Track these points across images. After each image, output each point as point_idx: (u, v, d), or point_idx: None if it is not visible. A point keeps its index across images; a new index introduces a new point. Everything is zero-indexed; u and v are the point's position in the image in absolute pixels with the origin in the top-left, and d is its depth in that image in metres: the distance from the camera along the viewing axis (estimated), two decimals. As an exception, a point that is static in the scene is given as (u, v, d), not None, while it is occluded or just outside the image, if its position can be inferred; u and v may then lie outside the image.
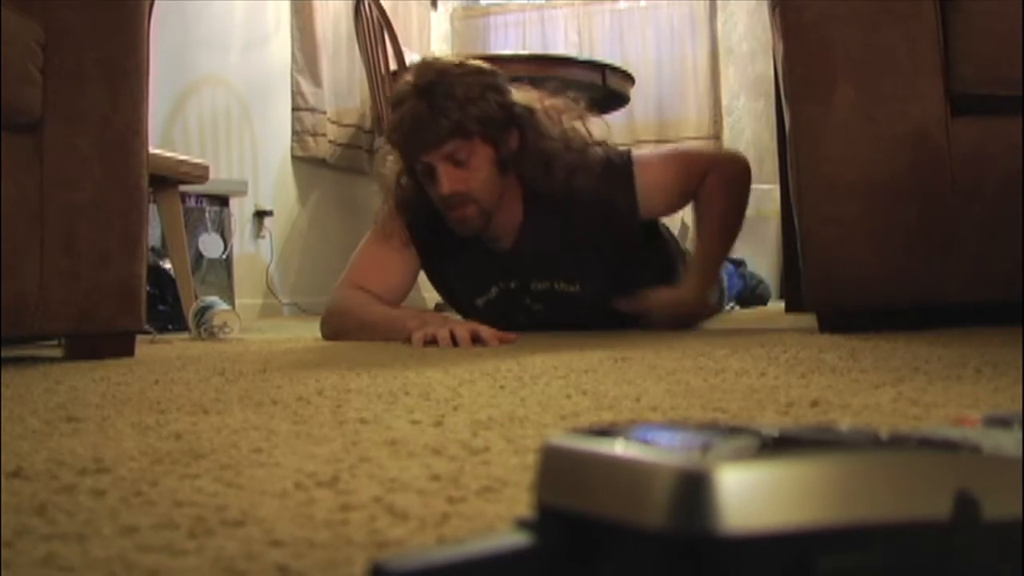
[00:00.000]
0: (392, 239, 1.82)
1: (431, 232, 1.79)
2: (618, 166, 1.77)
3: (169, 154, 2.39)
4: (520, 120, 1.71)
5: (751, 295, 3.08)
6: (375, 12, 3.23)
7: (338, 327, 1.77)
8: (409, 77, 1.69)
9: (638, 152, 1.85)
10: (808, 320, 1.76)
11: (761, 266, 3.91)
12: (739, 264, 3.09)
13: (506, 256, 1.78)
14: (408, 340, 1.53)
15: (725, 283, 2.78)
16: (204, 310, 2.14)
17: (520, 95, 1.74)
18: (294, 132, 3.97)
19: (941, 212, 1.47)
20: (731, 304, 2.99)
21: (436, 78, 1.64)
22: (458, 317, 1.79)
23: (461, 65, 1.69)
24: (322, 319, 1.83)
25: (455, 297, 1.92)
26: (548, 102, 1.78)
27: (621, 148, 1.85)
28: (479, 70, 1.69)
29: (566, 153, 1.72)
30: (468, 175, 1.67)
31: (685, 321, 1.76)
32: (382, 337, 1.63)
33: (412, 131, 1.64)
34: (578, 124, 1.78)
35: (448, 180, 1.66)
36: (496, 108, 1.67)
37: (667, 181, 1.78)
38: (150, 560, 0.34)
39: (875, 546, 0.22)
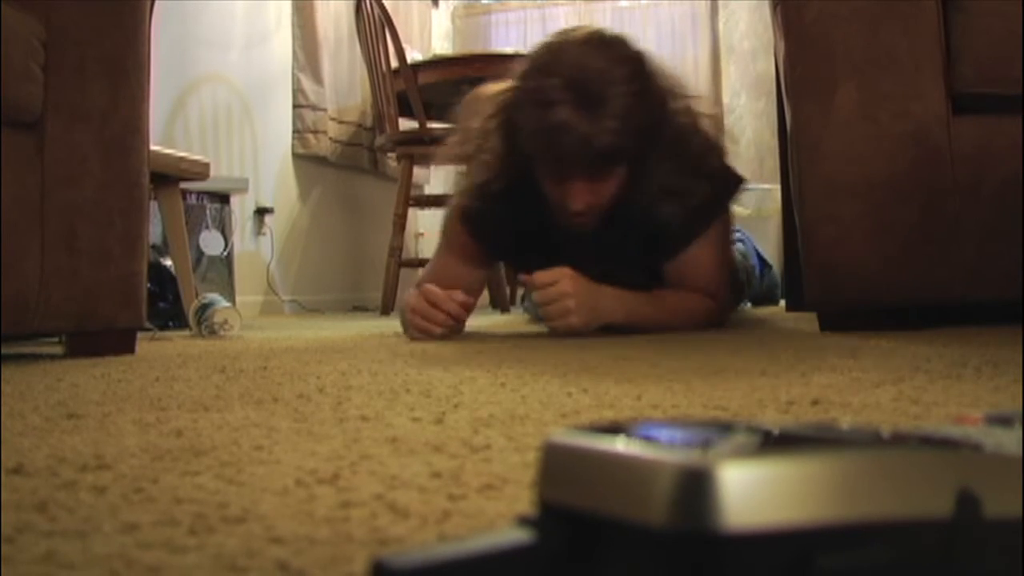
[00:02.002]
0: (461, 250, 1.75)
1: (501, 229, 1.69)
2: (711, 209, 1.63)
3: (170, 151, 2.39)
4: (662, 127, 1.54)
5: (768, 295, 3.06)
6: (376, 9, 3.23)
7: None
8: (556, 68, 1.47)
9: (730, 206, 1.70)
10: (809, 319, 1.76)
11: (762, 265, 3.91)
12: (768, 267, 3.05)
13: (572, 244, 1.64)
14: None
15: (755, 278, 2.76)
16: (205, 307, 2.14)
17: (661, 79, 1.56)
18: (295, 130, 3.97)
19: (942, 211, 1.47)
20: (746, 303, 2.97)
21: (597, 84, 1.44)
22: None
23: (617, 60, 1.48)
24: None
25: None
26: (690, 92, 1.62)
27: (734, 174, 1.69)
28: (636, 70, 1.49)
29: (678, 172, 1.56)
30: (603, 189, 1.53)
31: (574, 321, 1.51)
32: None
33: (567, 147, 1.45)
34: (706, 122, 1.63)
35: (582, 197, 1.52)
36: (650, 121, 1.50)
37: (705, 265, 1.65)
38: (151, 557, 0.34)
39: (876, 544, 0.22)
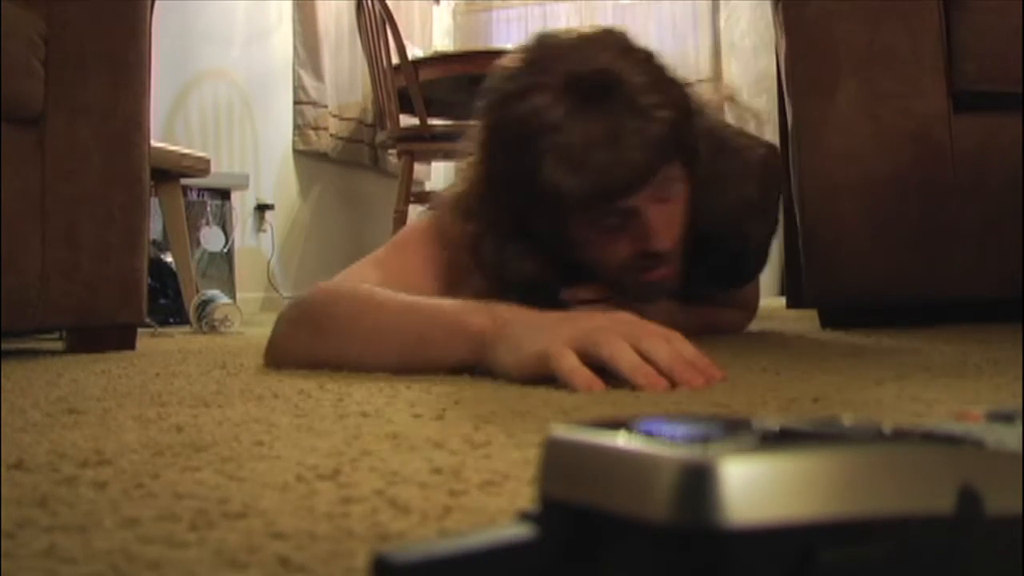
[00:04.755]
0: (437, 268, 1.18)
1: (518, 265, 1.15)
2: (775, 211, 1.32)
3: (171, 147, 2.39)
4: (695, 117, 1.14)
5: None
6: (377, 6, 3.22)
7: (311, 332, 1.02)
8: (549, 79, 1.06)
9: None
10: (809, 316, 1.76)
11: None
12: None
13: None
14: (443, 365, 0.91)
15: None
16: (205, 304, 2.14)
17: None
18: (295, 126, 3.97)
19: (943, 209, 1.47)
20: None
21: (604, 79, 1.05)
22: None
23: (623, 52, 1.10)
24: (285, 326, 1.07)
25: None
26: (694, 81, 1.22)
27: (772, 153, 1.35)
28: (644, 56, 1.12)
29: (731, 169, 1.21)
30: (675, 213, 1.12)
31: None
32: (397, 350, 0.94)
33: (610, 165, 1.03)
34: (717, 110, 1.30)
35: (662, 227, 1.10)
36: (679, 105, 1.10)
37: (756, 282, 1.44)
38: (152, 552, 0.34)
39: (878, 540, 0.22)
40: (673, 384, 0.76)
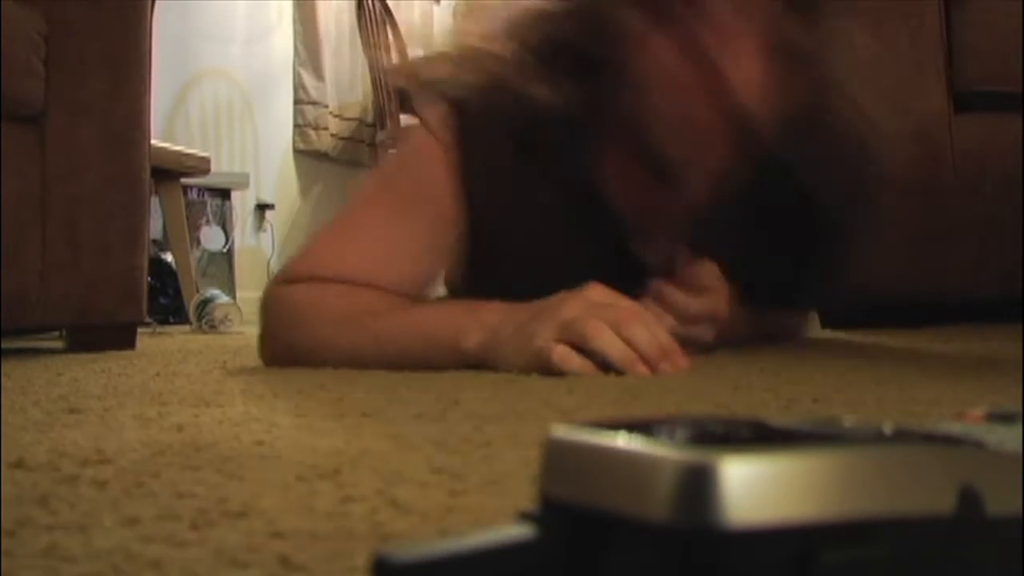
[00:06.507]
0: (426, 202, 1.00)
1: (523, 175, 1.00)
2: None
3: (171, 146, 2.39)
4: None
5: None
6: (378, 5, 3.22)
7: (295, 343, 0.99)
8: None
9: None
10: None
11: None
12: None
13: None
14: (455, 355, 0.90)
15: None
16: (205, 303, 2.15)
17: None
18: (296, 125, 3.97)
19: (943, 208, 1.47)
20: None
21: None
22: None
23: None
24: (265, 334, 1.04)
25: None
26: None
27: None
28: None
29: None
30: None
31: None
32: (402, 357, 0.93)
33: None
34: None
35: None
36: None
37: None
38: (152, 551, 0.34)
39: (878, 540, 0.22)
40: (653, 370, 0.83)
